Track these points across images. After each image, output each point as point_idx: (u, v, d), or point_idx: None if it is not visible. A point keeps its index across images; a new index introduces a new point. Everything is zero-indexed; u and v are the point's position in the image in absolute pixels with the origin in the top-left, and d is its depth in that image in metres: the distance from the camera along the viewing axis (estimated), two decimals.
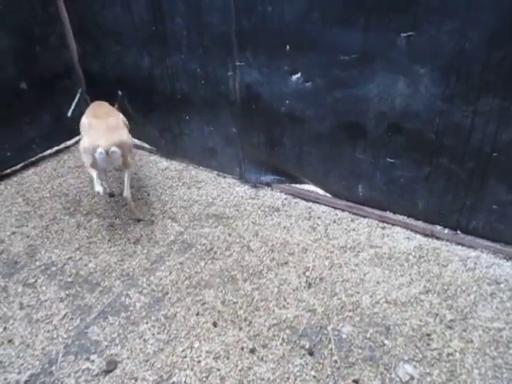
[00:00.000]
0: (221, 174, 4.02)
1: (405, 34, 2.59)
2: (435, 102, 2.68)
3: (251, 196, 3.69)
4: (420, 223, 3.13)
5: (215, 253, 3.07)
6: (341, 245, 3.06)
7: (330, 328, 2.45)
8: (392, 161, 3.04)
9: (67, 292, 2.82)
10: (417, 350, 2.29)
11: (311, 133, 3.28)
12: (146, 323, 2.56)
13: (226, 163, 3.94)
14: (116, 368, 2.31)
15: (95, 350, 2.43)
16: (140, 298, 2.75)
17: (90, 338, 2.50)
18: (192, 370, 2.27)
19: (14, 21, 3.92)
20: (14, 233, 3.39)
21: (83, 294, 2.80)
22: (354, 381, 2.16)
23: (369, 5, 2.63)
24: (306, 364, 2.27)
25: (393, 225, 3.21)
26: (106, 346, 2.44)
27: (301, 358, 2.30)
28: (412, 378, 2.16)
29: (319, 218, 3.36)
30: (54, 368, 2.34)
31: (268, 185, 3.78)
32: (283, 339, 2.40)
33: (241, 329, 2.48)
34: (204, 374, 2.24)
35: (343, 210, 3.41)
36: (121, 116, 3.43)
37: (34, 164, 4.34)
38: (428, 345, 2.32)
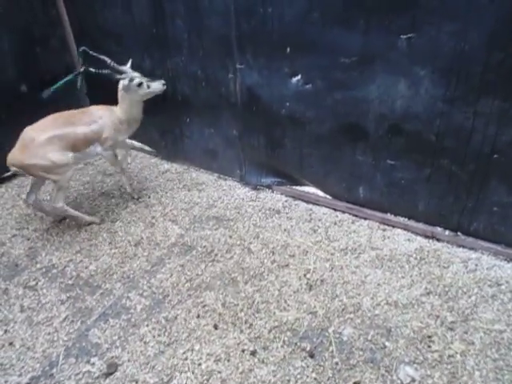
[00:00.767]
0: (221, 176, 4.02)
1: (405, 36, 2.59)
2: (435, 104, 2.68)
3: (252, 198, 3.69)
4: (421, 225, 3.13)
5: (216, 255, 3.07)
6: (341, 247, 3.06)
7: (330, 330, 2.45)
8: (392, 162, 3.04)
9: (68, 294, 2.82)
10: (418, 352, 2.29)
11: (312, 135, 3.29)
12: (147, 326, 2.56)
13: (227, 165, 3.94)
14: (116, 371, 2.31)
15: (96, 352, 2.43)
16: (141, 300, 2.75)
17: (90, 341, 2.50)
18: (193, 372, 2.27)
19: (14, 23, 3.94)
20: (14, 235, 3.39)
21: (84, 297, 2.80)
22: (355, 383, 2.16)
23: (369, 7, 2.63)
24: (307, 366, 2.26)
25: (393, 227, 3.21)
26: (107, 349, 2.44)
27: (302, 361, 2.29)
28: (413, 380, 2.16)
29: (320, 219, 3.36)
30: (54, 371, 2.34)
31: (269, 187, 3.78)
32: (284, 341, 2.40)
33: (241, 331, 2.48)
34: (205, 377, 2.24)
35: (344, 212, 3.41)
36: (80, 130, 3.21)
37: None
38: (429, 347, 2.31)
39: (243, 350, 2.36)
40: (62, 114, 3.30)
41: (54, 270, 3.03)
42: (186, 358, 2.35)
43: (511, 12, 2.28)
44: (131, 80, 3.28)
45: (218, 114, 3.71)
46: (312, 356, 2.31)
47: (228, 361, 2.32)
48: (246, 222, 3.39)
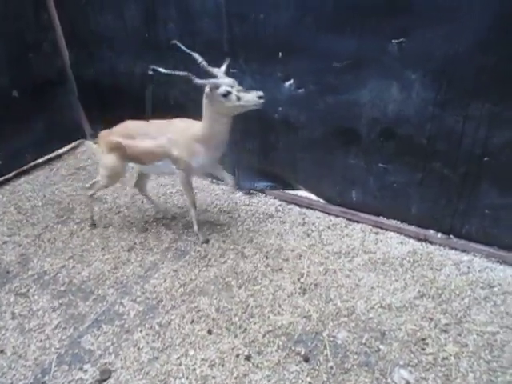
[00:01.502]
0: (214, 181, 4.02)
1: (396, 41, 2.62)
2: (427, 108, 2.71)
3: (245, 203, 3.69)
4: (413, 228, 3.14)
5: (210, 260, 3.06)
6: (335, 250, 3.06)
7: (325, 334, 2.45)
8: (385, 166, 3.06)
9: (60, 301, 2.79)
10: (412, 355, 2.29)
11: (304, 139, 3.30)
12: (141, 331, 2.54)
13: None
14: (110, 377, 2.29)
15: (89, 359, 2.40)
16: (134, 306, 2.72)
17: (83, 347, 2.47)
18: (187, 378, 2.25)
19: (6, 28, 3.92)
20: (5, 242, 3.36)
21: (76, 303, 2.77)
22: None
23: (360, 12, 2.65)
24: (302, 370, 2.26)
25: (386, 230, 3.22)
26: (100, 355, 2.41)
27: (296, 365, 2.29)
28: (408, 383, 2.16)
29: (313, 223, 3.37)
30: (46, 378, 2.31)
31: (262, 191, 3.78)
32: (278, 346, 2.39)
33: (236, 336, 2.47)
34: (199, 382, 2.23)
35: (337, 216, 3.42)
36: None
37: (26, 172, 4.32)
38: (423, 349, 2.32)
39: (238, 355, 2.35)
40: (138, 122, 3.13)
41: (46, 277, 3.00)
42: (181, 364, 2.33)
43: (502, 16, 2.31)
44: (216, 87, 2.58)
45: None
46: (307, 360, 2.30)
47: (222, 366, 2.31)
48: (239, 227, 3.38)
